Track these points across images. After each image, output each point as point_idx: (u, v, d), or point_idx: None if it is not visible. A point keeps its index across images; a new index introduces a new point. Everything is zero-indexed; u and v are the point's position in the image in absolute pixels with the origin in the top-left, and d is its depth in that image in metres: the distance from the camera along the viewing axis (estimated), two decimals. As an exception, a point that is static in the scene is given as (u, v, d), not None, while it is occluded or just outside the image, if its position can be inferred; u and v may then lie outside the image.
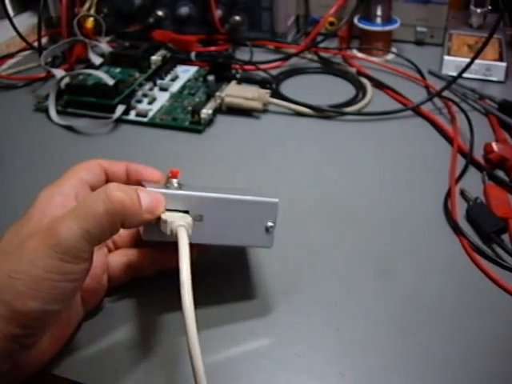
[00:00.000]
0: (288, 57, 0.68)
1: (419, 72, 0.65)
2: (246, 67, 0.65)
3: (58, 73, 0.58)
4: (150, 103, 0.59)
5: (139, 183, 0.35)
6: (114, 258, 0.36)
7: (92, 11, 0.69)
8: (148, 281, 0.37)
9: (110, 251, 0.36)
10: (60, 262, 0.28)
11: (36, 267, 0.27)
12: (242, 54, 0.68)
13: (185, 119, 0.56)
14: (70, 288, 0.28)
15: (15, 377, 0.30)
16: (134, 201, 0.29)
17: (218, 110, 0.57)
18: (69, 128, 0.56)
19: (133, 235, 0.37)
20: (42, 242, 0.28)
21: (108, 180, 0.35)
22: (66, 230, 0.28)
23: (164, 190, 0.32)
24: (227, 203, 0.33)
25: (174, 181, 0.34)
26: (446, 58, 0.66)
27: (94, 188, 0.34)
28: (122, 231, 0.30)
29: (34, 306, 0.27)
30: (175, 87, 0.62)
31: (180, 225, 0.31)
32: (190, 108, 0.57)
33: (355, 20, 0.70)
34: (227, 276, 0.38)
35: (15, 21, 0.66)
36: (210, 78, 0.62)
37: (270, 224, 0.35)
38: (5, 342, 0.27)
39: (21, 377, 0.30)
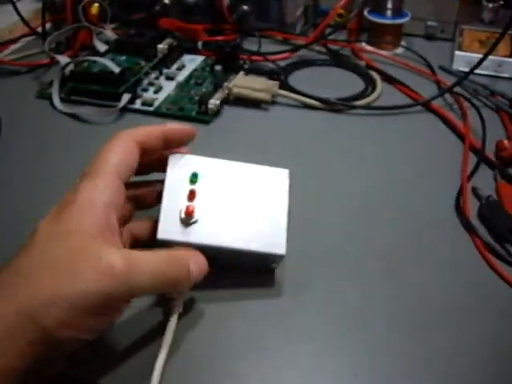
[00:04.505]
0: (297, 48, 0.67)
1: (429, 67, 0.65)
2: (254, 58, 0.64)
3: (63, 59, 0.57)
4: (155, 92, 0.58)
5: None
6: None
7: (97, -3, 0.68)
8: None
9: None
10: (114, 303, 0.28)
11: (86, 300, 0.26)
12: (250, 45, 0.66)
13: (191, 109, 0.55)
14: (110, 322, 0.29)
15: None
16: (187, 276, 0.31)
17: (225, 101, 0.56)
18: (73, 116, 0.55)
19: None
20: (108, 278, 0.27)
21: (144, 154, 0.33)
22: (142, 278, 0.28)
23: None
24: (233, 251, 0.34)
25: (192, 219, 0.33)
26: (457, 53, 0.65)
27: (127, 177, 0.32)
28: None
29: (72, 335, 0.26)
30: (182, 76, 0.61)
31: (174, 304, 0.33)
32: (197, 98, 0.56)
33: (365, 12, 0.69)
34: (237, 275, 0.37)
35: (18, 5, 0.65)
36: (218, 67, 0.61)
37: (273, 264, 0.36)
38: (33, 363, 0.26)
39: None
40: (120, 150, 0.32)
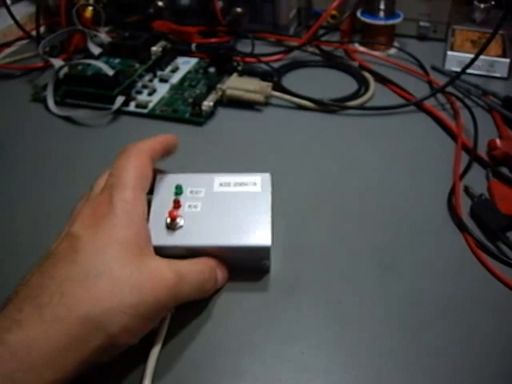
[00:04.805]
0: (290, 49, 0.67)
1: (422, 67, 0.65)
2: (248, 59, 0.64)
3: (57, 62, 0.57)
4: (149, 94, 0.58)
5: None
6: None
7: (91, 0, 0.68)
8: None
9: None
10: (167, 311, 0.31)
11: (146, 309, 0.28)
12: (243, 46, 0.67)
13: (185, 111, 0.55)
14: (154, 327, 0.31)
15: None
16: (215, 285, 0.34)
17: (219, 103, 0.56)
18: (67, 119, 0.55)
19: None
20: (164, 290, 0.29)
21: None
22: (187, 289, 0.31)
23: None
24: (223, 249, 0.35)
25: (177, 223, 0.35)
26: (449, 53, 0.65)
27: (147, 189, 0.34)
28: None
29: (132, 341, 0.29)
30: (175, 79, 0.61)
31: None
32: (190, 100, 0.56)
33: (358, 13, 0.69)
34: (230, 273, 0.37)
35: (13, 9, 0.66)
36: (211, 69, 0.61)
37: (264, 262, 0.37)
38: (85, 368, 0.27)
39: None
40: (139, 164, 0.33)
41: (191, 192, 0.37)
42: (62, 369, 0.25)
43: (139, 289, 0.28)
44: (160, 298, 0.29)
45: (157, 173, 0.37)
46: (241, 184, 0.37)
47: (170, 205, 0.36)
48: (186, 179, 0.37)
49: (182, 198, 0.36)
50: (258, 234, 0.35)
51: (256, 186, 0.37)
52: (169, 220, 0.34)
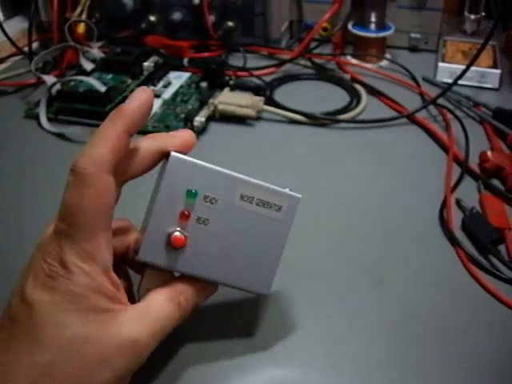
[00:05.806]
0: (282, 63, 0.68)
1: (413, 79, 0.65)
2: (240, 73, 0.64)
3: (49, 79, 0.58)
4: (142, 110, 0.58)
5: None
6: None
7: (83, 16, 0.69)
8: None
9: None
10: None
11: (121, 381, 0.27)
12: (236, 60, 0.67)
13: (177, 127, 0.55)
14: None
15: None
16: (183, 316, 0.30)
17: (211, 118, 0.57)
18: (60, 136, 0.55)
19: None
20: (135, 355, 0.27)
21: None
22: (146, 347, 0.28)
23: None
24: None
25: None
26: (441, 64, 0.65)
27: (110, 220, 0.28)
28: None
29: None
30: (168, 94, 0.61)
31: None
32: (182, 115, 0.56)
33: (349, 26, 0.69)
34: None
35: (5, 25, 0.66)
36: (203, 84, 0.61)
37: None
38: None
39: None
40: (97, 196, 0.26)
41: (206, 199, 0.30)
42: None
43: (109, 363, 0.26)
44: (130, 365, 0.27)
45: (170, 151, 0.29)
46: (264, 204, 0.32)
47: (177, 214, 0.30)
48: (204, 176, 0.30)
49: (192, 210, 0.30)
50: (261, 279, 0.32)
51: (279, 212, 0.32)
52: (171, 242, 0.30)
